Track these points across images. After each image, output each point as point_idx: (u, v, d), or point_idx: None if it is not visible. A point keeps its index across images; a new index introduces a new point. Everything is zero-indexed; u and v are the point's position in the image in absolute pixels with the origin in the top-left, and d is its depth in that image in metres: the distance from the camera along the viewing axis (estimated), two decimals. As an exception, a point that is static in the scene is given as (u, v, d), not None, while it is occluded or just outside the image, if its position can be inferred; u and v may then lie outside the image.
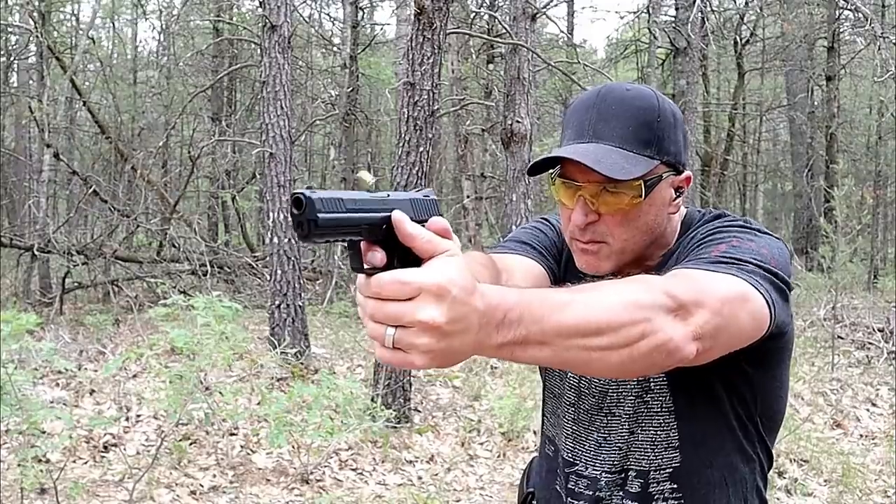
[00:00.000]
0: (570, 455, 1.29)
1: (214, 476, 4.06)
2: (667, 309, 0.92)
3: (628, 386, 1.22)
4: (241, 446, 4.48)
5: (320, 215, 0.74)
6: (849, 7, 12.04)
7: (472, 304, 0.77)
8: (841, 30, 15.86)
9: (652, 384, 1.21)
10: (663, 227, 1.22)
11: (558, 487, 1.32)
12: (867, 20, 8.22)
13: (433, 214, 0.85)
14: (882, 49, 7.80)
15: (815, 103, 17.45)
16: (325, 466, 4.31)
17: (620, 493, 1.23)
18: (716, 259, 1.07)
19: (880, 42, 7.78)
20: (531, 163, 1.18)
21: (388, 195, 0.82)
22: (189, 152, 11.70)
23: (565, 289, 0.95)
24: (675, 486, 1.21)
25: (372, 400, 4.89)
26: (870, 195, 11.44)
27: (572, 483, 1.28)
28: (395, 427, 4.89)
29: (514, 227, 8.15)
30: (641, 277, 1.00)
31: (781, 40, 16.72)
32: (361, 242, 0.80)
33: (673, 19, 12.13)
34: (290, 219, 0.75)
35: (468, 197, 12.19)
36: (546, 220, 1.39)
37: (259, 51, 7.26)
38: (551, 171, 1.20)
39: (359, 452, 4.54)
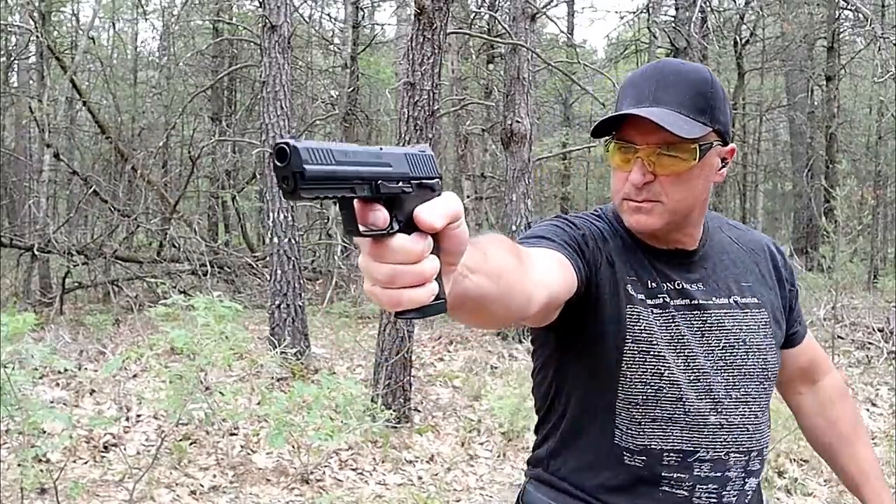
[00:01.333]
0: (689, 446, 1.30)
1: (214, 476, 4.06)
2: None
3: (767, 383, 1.39)
4: (242, 446, 4.48)
5: (307, 167, 0.64)
6: (849, 7, 12.04)
7: None
8: (841, 30, 15.85)
9: (770, 375, 1.39)
10: (705, 198, 1.32)
11: (668, 489, 1.30)
12: (867, 20, 8.22)
13: (431, 171, 0.77)
14: (882, 49, 7.79)
15: (815, 103, 17.44)
16: (326, 466, 4.31)
17: (743, 475, 1.33)
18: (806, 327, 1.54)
19: (880, 42, 7.78)
20: (596, 123, 1.25)
21: (382, 148, 0.73)
22: (189, 152, 11.70)
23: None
24: (762, 460, 1.38)
25: (372, 400, 4.89)
26: (870, 195, 11.45)
27: (697, 470, 1.31)
28: (395, 427, 4.89)
29: (514, 226, 8.15)
30: (844, 415, 1.56)
31: (781, 40, 16.71)
32: (355, 201, 0.70)
33: (673, 19, 12.14)
34: (273, 174, 0.65)
35: (468, 197, 12.19)
36: (561, 217, 1.39)
37: (259, 51, 7.26)
38: (607, 137, 1.28)
39: (359, 452, 4.54)
